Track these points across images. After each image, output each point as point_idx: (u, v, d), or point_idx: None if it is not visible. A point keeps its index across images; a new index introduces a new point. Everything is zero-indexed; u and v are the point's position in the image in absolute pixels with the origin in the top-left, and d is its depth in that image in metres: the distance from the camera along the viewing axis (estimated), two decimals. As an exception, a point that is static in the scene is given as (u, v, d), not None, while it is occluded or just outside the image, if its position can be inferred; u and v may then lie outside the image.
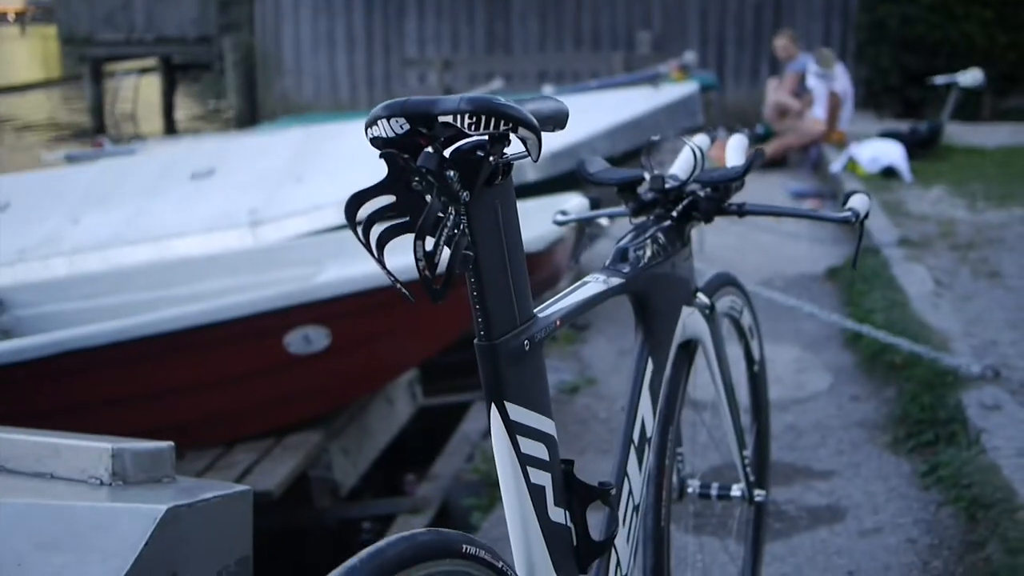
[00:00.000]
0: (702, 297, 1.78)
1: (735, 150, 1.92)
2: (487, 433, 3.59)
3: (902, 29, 12.46)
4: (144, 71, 21.23)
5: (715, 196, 1.72)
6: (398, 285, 1.09)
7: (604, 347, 4.35)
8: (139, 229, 4.70)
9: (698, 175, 1.72)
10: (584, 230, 2.58)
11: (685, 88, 6.35)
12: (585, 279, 1.46)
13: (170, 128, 17.82)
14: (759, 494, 2.02)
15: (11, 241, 4.85)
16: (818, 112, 8.76)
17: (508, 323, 1.18)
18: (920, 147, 7.98)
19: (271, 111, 13.88)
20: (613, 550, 1.48)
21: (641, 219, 1.70)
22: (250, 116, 14.79)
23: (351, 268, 3.49)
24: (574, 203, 1.93)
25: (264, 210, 4.61)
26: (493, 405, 1.19)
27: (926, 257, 4.96)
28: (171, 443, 1.84)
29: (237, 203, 4.72)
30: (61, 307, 4.15)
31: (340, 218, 4.34)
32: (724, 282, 1.95)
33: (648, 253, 1.56)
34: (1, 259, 4.70)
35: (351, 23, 14.06)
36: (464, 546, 1.09)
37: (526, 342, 1.20)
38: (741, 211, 1.75)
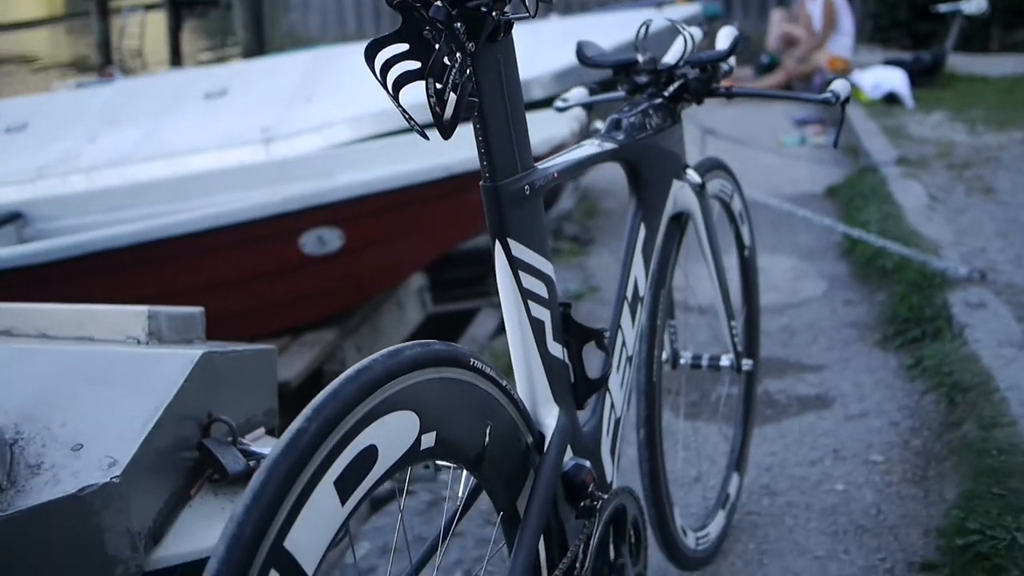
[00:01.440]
0: (692, 174, 1.91)
1: (723, 38, 2.03)
2: (494, 335, 3.75)
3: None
4: (150, 7, 21.16)
5: (704, 77, 1.84)
6: (412, 123, 1.21)
7: (607, 259, 4.48)
8: (154, 147, 4.82)
9: (688, 57, 1.84)
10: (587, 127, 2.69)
11: (688, 10, 6.42)
12: (582, 143, 1.59)
13: (177, 64, 17.82)
14: (747, 363, 2.17)
15: (30, 159, 4.98)
16: (829, 45, 8.78)
17: (510, 168, 1.30)
18: (923, 75, 8.04)
19: (278, 46, 13.88)
20: (608, 393, 1.62)
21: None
22: (257, 51, 14.78)
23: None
24: (574, 92, 2.06)
25: (276, 128, 4.74)
26: (497, 242, 1.32)
27: (922, 175, 5.07)
28: (202, 308, 1.98)
29: (250, 121, 4.83)
30: (80, 220, 4.28)
31: (351, 134, 4.46)
32: (714, 165, 2.07)
33: (640, 124, 1.69)
34: (21, 176, 4.83)
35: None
36: (472, 360, 1.22)
37: (527, 187, 1.32)
38: (729, 93, 1.88)
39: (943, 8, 8.88)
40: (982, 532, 1.99)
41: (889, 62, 8.26)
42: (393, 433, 1.05)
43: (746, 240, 2.27)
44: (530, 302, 1.36)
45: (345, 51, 5.31)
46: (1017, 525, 1.99)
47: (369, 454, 1.02)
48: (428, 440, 1.11)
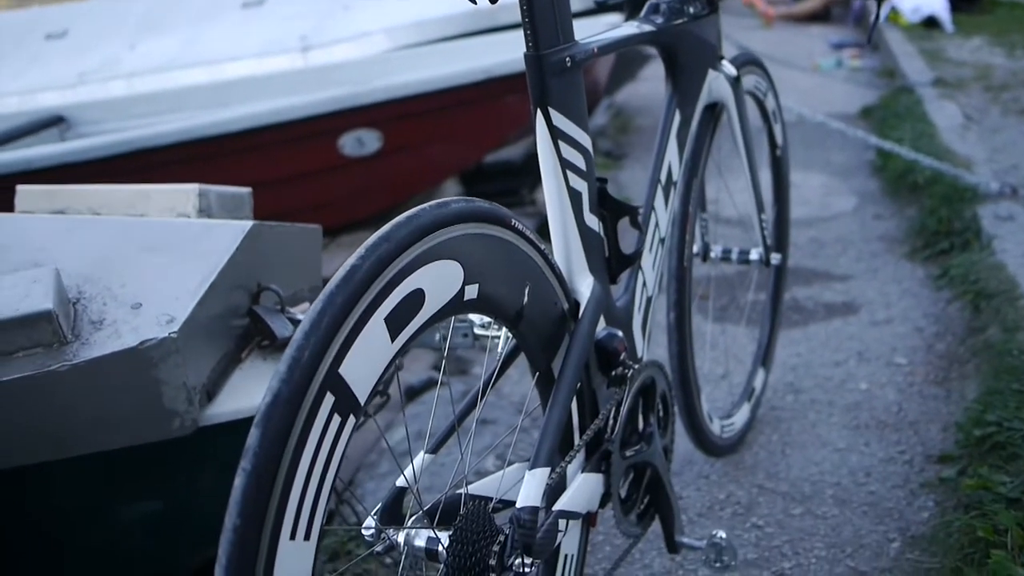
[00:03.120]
0: (728, 66, 1.95)
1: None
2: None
3: None
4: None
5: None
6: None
7: (640, 173, 4.52)
8: (193, 54, 4.86)
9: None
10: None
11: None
12: (621, 24, 1.63)
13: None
14: (776, 257, 2.22)
15: (71, 65, 5.04)
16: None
17: (552, 39, 1.35)
18: (964, 1, 7.93)
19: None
20: (640, 272, 1.68)
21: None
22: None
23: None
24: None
25: (314, 36, 4.76)
26: (538, 111, 1.37)
27: (959, 96, 5.05)
28: (249, 188, 2.05)
29: (288, 30, 4.86)
30: (121, 124, 4.35)
31: (388, 43, 4.48)
32: (750, 60, 2.10)
33: (678, 10, 1.73)
34: (62, 82, 4.89)
35: None
36: (513, 220, 1.28)
37: (568, 58, 1.37)
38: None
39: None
40: (999, 424, 2.05)
41: (930, -14, 8.15)
42: (439, 280, 1.11)
43: (778, 139, 2.31)
44: (569, 172, 1.41)
45: (383, -39, 5.31)
46: (1034, 418, 2.05)
47: (417, 297, 1.09)
48: (471, 292, 1.18)
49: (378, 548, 1.28)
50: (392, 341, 1.07)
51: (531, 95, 1.38)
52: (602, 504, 1.52)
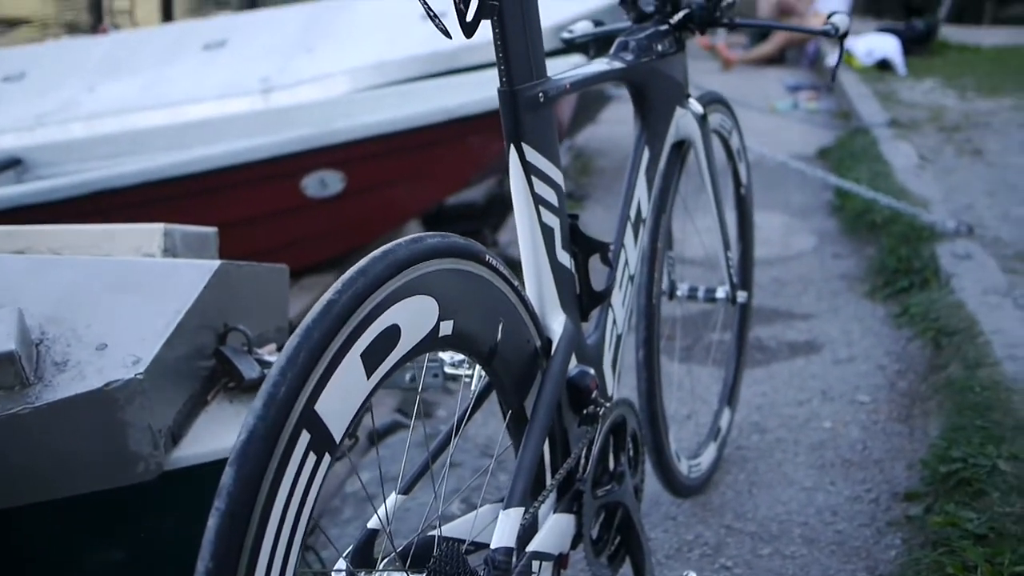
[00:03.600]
0: (695, 104, 1.96)
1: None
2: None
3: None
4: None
5: (708, 5, 1.88)
6: (436, 20, 1.25)
7: (601, 214, 4.54)
8: (154, 96, 4.85)
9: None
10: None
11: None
12: (592, 62, 1.64)
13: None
14: (742, 295, 2.23)
15: (29, 107, 5.00)
16: (821, 5, 8.80)
17: (525, 74, 1.35)
18: (916, 43, 8.10)
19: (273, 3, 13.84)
20: (610, 309, 1.68)
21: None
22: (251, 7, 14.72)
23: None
24: (580, 24, 2.10)
25: (276, 78, 4.77)
26: (512, 146, 1.37)
27: (913, 137, 5.13)
28: (215, 228, 2.04)
29: (249, 72, 4.86)
30: (80, 167, 4.31)
31: (350, 85, 4.49)
32: (716, 99, 2.12)
33: (647, 47, 1.74)
34: (20, 124, 4.85)
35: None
36: (487, 256, 1.28)
37: (541, 94, 1.37)
38: (732, 24, 1.93)
39: (937, -21, 8.94)
40: (964, 460, 2.06)
41: (883, 30, 8.31)
42: (415, 316, 1.11)
43: (743, 178, 2.33)
44: (541, 208, 1.41)
45: (346, 2, 5.33)
46: (998, 453, 2.06)
47: (392, 333, 1.08)
48: (446, 328, 1.17)
49: (350, 592, 1.26)
50: (368, 378, 1.06)
51: (504, 131, 1.38)
52: (573, 545, 1.50)
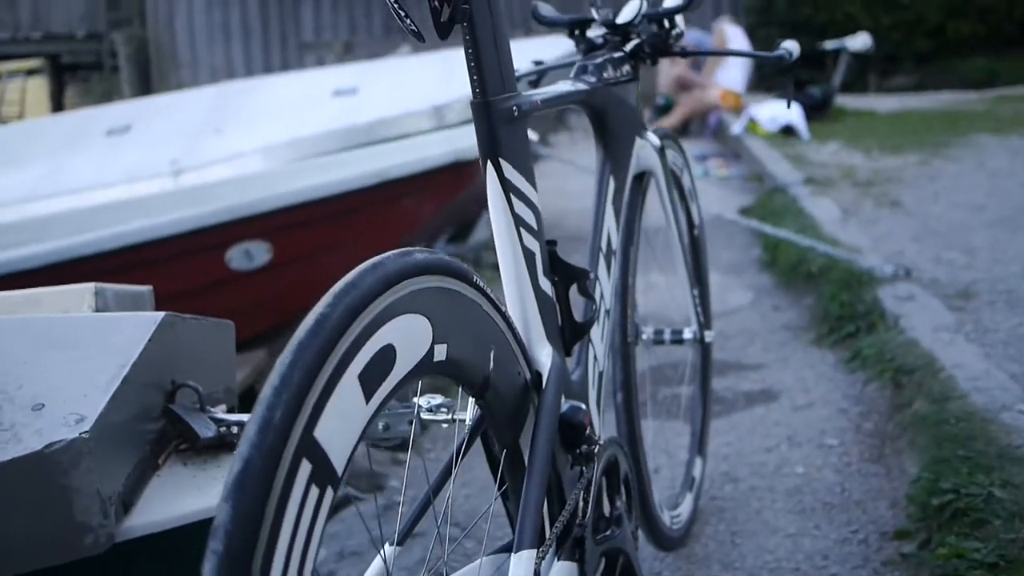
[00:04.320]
0: (652, 136, 1.89)
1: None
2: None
3: (790, 11, 12.69)
4: (31, 72, 20.60)
5: (660, 33, 1.81)
6: (408, 24, 1.15)
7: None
8: (57, 184, 4.64)
9: (643, 12, 1.81)
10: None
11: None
12: (557, 83, 1.55)
13: (61, 129, 17.35)
14: (709, 334, 2.14)
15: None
16: (719, 77, 8.95)
17: (498, 85, 1.25)
18: (814, 110, 8.25)
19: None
20: (590, 345, 1.57)
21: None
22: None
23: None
24: (523, 65, 2.02)
25: (185, 160, 4.61)
26: (489, 163, 1.27)
27: (831, 192, 5.17)
28: (150, 286, 1.88)
29: (157, 155, 4.70)
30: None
31: (264, 163, 4.36)
32: (668, 135, 2.05)
33: (605, 72, 1.66)
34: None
35: (246, 12, 13.97)
36: (475, 277, 1.16)
37: (515, 108, 1.27)
38: (684, 52, 1.87)
39: (829, 45, 9.18)
40: (956, 491, 1.98)
41: (782, 98, 8.48)
42: (409, 336, 1.00)
43: (695, 218, 2.26)
44: (522, 230, 1.32)
45: (252, 83, 5.23)
46: (990, 481, 1.98)
47: (388, 354, 0.97)
48: (440, 352, 1.06)
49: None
50: (367, 403, 0.93)
51: (480, 147, 1.28)
52: (576, 597, 1.37)
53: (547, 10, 1.83)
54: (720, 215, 5.04)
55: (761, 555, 2.06)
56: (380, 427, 1.62)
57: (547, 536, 1.29)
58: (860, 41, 8.82)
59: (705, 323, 2.18)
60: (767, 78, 12.87)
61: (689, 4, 1.79)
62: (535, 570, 1.16)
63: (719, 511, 2.26)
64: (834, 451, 2.50)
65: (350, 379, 0.90)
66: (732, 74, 9.05)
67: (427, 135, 3.93)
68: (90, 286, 1.72)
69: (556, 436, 1.35)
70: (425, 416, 1.55)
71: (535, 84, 2.00)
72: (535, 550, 1.14)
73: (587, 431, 1.38)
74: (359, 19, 13.50)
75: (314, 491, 0.85)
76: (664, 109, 9.35)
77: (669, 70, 9.46)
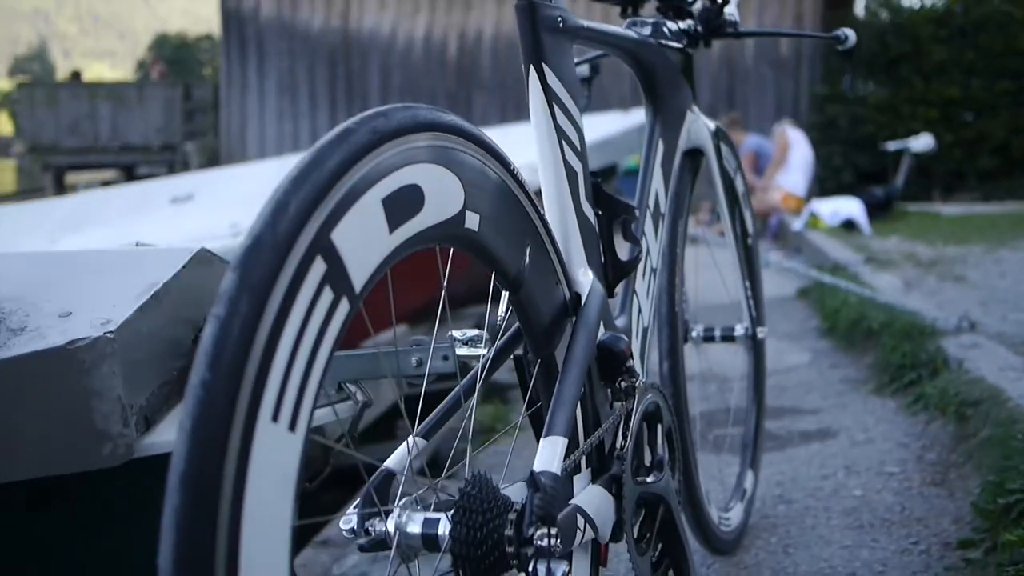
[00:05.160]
0: (706, 118, 1.87)
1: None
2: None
3: (852, 129, 12.61)
4: (106, 184, 21.29)
5: (712, 10, 1.80)
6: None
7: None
8: (119, 243, 4.72)
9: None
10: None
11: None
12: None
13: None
14: (762, 331, 2.07)
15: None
16: (781, 180, 8.94)
17: (543, -8, 1.24)
18: (876, 209, 8.21)
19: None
20: (635, 297, 1.53)
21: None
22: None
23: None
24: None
25: (245, 224, 4.67)
26: (532, 68, 1.25)
27: (893, 270, 5.08)
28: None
29: (218, 220, 4.76)
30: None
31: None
32: (722, 130, 2.02)
33: (657, 30, 1.65)
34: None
35: (315, 124, 14.33)
36: (514, 167, 1.13)
37: (560, 18, 1.26)
38: (737, 33, 1.85)
39: (892, 146, 9.17)
40: (1023, 491, 1.87)
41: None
42: (439, 187, 0.98)
43: (749, 226, 2.21)
44: (564, 144, 1.29)
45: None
46: (1059, 482, 1.87)
47: (416, 193, 0.95)
48: (472, 221, 1.04)
49: (362, 541, 1.05)
50: (390, 232, 0.90)
51: (523, 51, 1.26)
52: (614, 537, 1.29)
53: (602, -9, 1.83)
54: (772, 299, 4.98)
55: (815, 563, 1.95)
56: (414, 362, 1.58)
57: (581, 444, 1.23)
58: (923, 142, 8.81)
59: (757, 319, 2.11)
60: (826, 182, 12.82)
61: (738, -15, 1.78)
62: (567, 473, 1.11)
63: (771, 527, 2.16)
64: (894, 477, 2.39)
65: (373, 199, 0.87)
66: (793, 178, 9.05)
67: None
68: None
69: (595, 364, 1.30)
70: (460, 352, 1.51)
71: (588, 80, 1.99)
72: (564, 438, 1.09)
73: (627, 363, 1.33)
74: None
75: (327, 294, 0.82)
76: (724, 212, 9.32)
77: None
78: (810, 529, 2.12)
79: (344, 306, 0.84)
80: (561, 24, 1.27)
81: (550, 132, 1.27)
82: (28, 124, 17.65)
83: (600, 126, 5.57)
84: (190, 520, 0.71)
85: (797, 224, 7.93)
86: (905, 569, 1.89)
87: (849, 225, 7.49)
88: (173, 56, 26.26)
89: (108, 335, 1.23)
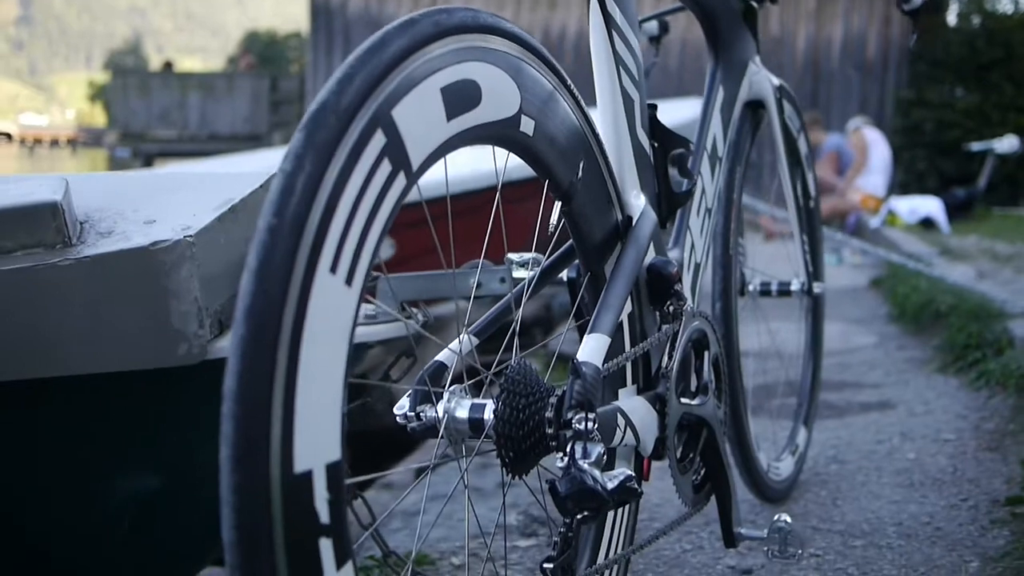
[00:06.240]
0: (770, 74, 1.91)
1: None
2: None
3: (937, 134, 12.39)
4: (193, 172, 21.59)
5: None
6: None
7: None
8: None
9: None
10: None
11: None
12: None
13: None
14: (819, 286, 2.11)
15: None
16: (861, 182, 8.86)
17: (603, -86, 1.30)
18: (957, 210, 8.12)
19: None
20: (688, 232, 1.58)
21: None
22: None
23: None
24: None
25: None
26: (592, -4, 1.31)
27: (967, 262, 5.04)
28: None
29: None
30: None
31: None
32: (787, 90, 2.05)
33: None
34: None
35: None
36: (573, 89, 1.19)
37: (621, -52, 1.32)
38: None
39: (976, 147, 9.03)
40: (1073, 448, 1.89)
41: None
42: (496, 87, 1.04)
43: (811, 189, 2.24)
44: (622, 71, 1.34)
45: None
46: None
47: (474, 89, 1.01)
48: (527, 126, 1.10)
49: (414, 424, 1.12)
50: (447, 120, 0.97)
51: (584, -23, 1.32)
52: (656, 455, 1.35)
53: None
54: (844, 289, 4.97)
55: (862, 513, 1.98)
56: (473, 284, 1.65)
57: (626, 349, 1.29)
58: (1007, 143, 8.68)
59: (815, 274, 2.15)
60: (909, 186, 12.60)
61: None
62: (610, 375, 1.17)
63: (821, 483, 2.19)
64: (950, 443, 2.40)
65: (432, 86, 0.94)
66: (874, 179, 8.96)
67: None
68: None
69: (644, 286, 1.36)
70: (516, 274, 1.57)
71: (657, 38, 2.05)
72: (607, 336, 1.14)
73: (676, 286, 1.38)
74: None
75: (385, 165, 0.89)
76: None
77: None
78: (860, 485, 2.16)
79: (401, 180, 0.91)
80: (620, -49, 1.33)
81: (608, 58, 1.32)
82: (121, 112, 18.10)
83: (678, 111, 5.58)
84: (252, 348, 0.78)
85: (875, 221, 7.87)
86: (952, 521, 1.91)
87: (928, 224, 7.42)
88: (263, 52, 26.73)
89: (188, 239, 1.32)
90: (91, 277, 1.30)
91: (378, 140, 0.88)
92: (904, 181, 12.53)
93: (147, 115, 17.91)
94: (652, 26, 2.01)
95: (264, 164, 5.37)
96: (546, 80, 1.13)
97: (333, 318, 0.84)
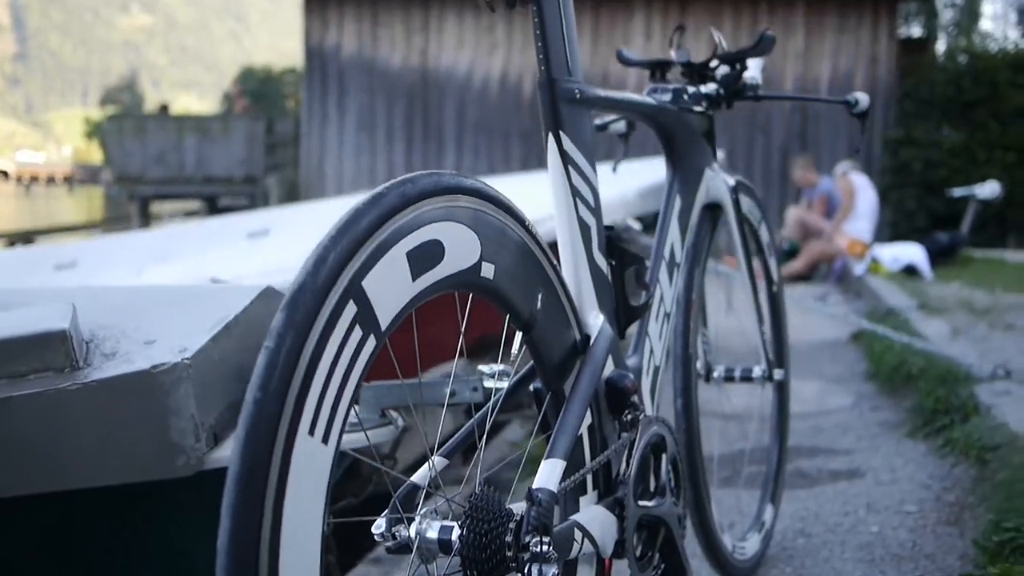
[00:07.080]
0: (725, 175, 2.04)
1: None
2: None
3: (925, 173, 12.53)
4: (189, 214, 21.91)
5: (733, 75, 1.98)
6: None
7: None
8: (198, 275, 4.99)
9: (718, 53, 1.99)
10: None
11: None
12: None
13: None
14: (779, 372, 2.23)
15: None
16: (848, 227, 9.01)
17: (563, 68, 1.43)
18: (940, 255, 8.25)
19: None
20: (647, 338, 1.70)
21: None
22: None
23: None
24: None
25: (315, 259, 4.92)
26: (550, 135, 1.44)
27: (944, 316, 5.17)
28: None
29: (292, 255, 5.02)
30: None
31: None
32: (746, 185, 2.19)
33: (678, 95, 1.84)
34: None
35: (392, 159, 14.66)
36: (528, 223, 1.32)
37: (577, 91, 1.45)
38: (757, 96, 2.02)
39: (957, 192, 9.18)
40: (1018, 530, 2.00)
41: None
42: (458, 241, 1.15)
43: (774, 275, 2.37)
44: (579, 202, 1.46)
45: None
46: (1052, 522, 2.00)
47: (437, 247, 1.13)
48: (488, 270, 1.21)
49: (389, 544, 1.24)
50: (413, 280, 1.09)
51: (543, 121, 1.45)
52: (616, 553, 1.47)
53: (630, 53, 2.02)
54: (825, 342, 5.09)
55: (824, 590, 2.10)
56: (446, 392, 1.77)
57: (586, 460, 1.40)
58: (988, 189, 8.83)
59: (776, 361, 2.27)
60: (898, 226, 12.73)
61: (758, 46, 1.95)
62: (568, 493, 1.28)
63: (788, 558, 2.31)
64: (911, 516, 2.52)
65: (399, 253, 1.07)
66: (860, 224, 9.10)
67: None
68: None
69: (603, 397, 1.48)
70: (488, 384, 1.69)
71: (625, 135, 2.18)
72: (563, 461, 1.26)
73: (632, 397, 1.50)
74: (497, 163, 14.03)
75: (357, 332, 1.01)
76: (790, 254, 9.43)
77: (794, 215, 9.59)
78: (824, 562, 2.27)
79: (372, 342, 1.03)
80: (578, 96, 1.46)
81: (566, 191, 1.45)
82: (117, 154, 18.25)
83: (652, 172, 5.72)
84: (242, 510, 0.91)
85: (859, 268, 8.00)
86: (906, 598, 2.03)
87: (911, 271, 7.55)
88: (258, 88, 26.92)
89: (185, 361, 1.44)
90: (97, 398, 1.42)
91: (350, 311, 1.00)
92: (894, 220, 12.68)
93: (143, 157, 18.05)
94: (620, 125, 2.14)
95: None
96: (506, 225, 1.25)
97: (312, 473, 0.96)
